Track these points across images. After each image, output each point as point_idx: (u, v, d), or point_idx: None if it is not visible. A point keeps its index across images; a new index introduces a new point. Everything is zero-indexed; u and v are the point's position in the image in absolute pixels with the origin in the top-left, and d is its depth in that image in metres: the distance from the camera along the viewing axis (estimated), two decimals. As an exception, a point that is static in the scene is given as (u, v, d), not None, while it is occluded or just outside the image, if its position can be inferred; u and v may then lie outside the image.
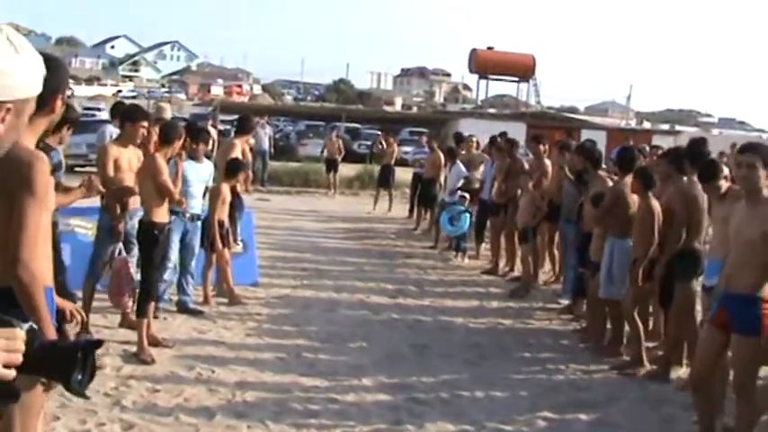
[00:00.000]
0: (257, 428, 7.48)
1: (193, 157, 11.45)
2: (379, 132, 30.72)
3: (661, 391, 9.20)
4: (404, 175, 26.88)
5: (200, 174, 11.53)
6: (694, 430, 7.86)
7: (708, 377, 7.51)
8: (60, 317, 4.85)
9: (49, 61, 4.46)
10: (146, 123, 10.02)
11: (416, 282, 15.25)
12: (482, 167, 18.56)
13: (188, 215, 11.24)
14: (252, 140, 29.40)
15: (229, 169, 12.38)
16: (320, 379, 9.10)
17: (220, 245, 12.04)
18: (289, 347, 10.29)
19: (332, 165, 30.93)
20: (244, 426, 7.53)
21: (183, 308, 11.53)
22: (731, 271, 7.12)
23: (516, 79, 70.10)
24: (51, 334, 4.25)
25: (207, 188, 11.92)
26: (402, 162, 29.41)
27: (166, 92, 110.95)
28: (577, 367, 10.25)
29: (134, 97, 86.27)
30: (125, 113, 10.40)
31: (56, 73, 4.42)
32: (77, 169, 27.45)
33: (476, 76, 72.37)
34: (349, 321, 11.93)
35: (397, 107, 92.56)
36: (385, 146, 27.14)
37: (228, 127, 41.71)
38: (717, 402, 7.83)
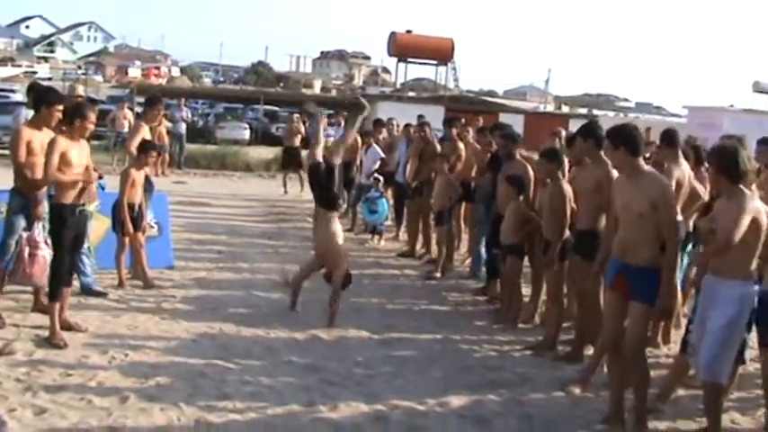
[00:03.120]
0: (170, 411, 7.44)
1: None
2: (298, 115, 30.54)
3: (573, 373, 9.32)
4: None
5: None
6: (603, 408, 8.01)
7: (618, 342, 7.80)
8: None
9: None
10: (61, 107, 9.87)
11: (332, 264, 15.25)
12: (397, 150, 18.61)
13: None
14: (168, 123, 29.23)
15: (139, 152, 12.27)
16: (234, 361, 9.08)
17: (131, 228, 11.94)
18: (203, 330, 10.25)
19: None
20: (156, 408, 7.49)
21: (87, 290, 11.40)
22: (626, 245, 7.56)
23: (435, 63, 70.18)
24: None
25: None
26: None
27: (83, 73, 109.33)
28: (491, 348, 10.36)
29: (49, 79, 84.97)
30: (40, 97, 10.22)
31: None
32: (-10, 151, 27.00)
33: (395, 60, 72.33)
34: (264, 303, 11.92)
35: (316, 90, 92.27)
36: (291, 127, 27.10)
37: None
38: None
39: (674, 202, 7.67)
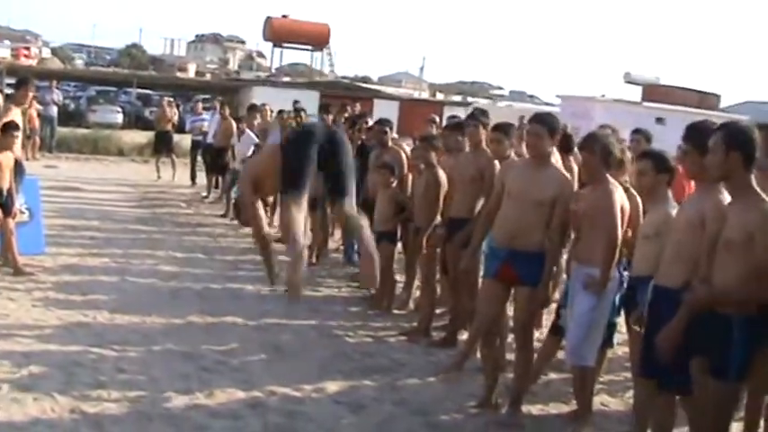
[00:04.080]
0: (44, 401, 7.33)
1: None
2: (171, 99, 30.16)
3: (447, 357, 9.46)
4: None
5: None
6: (477, 392, 8.18)
7: (493, 327, 8.09)
8: None
9: None
10: None
11: (206, 250, 15.24)
12: (270, 137, 18.57)
13: None
14: (39, 106, 28.66)
15: (1, 135, 12.05)
16: (108, 349, 9.00)
17: (1, 213, 11.72)
18: (76, 318, 10.13)
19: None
20: (30, 398, 7.36)
21: None
22: (514, 232, 7.63)
23: (311, 48, 70.21)
24: None
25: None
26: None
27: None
28: (366, 334, 10.46)
29: None
30: None
31: None
32: None
33: (270, 44, 72.11)
34: (138, 290, 11.83)
35: (191, 74, 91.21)
36: (163, 111, 26.84)
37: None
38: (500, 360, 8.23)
39: (571, 197, 7.77)
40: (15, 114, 12.60)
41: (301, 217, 7.69)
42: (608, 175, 7.57)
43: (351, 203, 7.93)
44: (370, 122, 14.72)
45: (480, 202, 9.49)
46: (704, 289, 5.66)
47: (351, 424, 7.43)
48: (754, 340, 5.57)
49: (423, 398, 8.21)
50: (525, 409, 7.98)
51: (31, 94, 13.08)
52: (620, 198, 7.50)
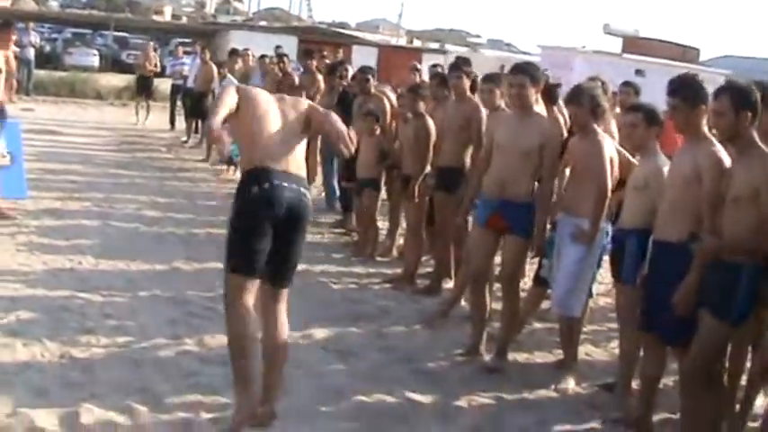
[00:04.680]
0: (33, 346, 7.32)
1: None
2: (151, 42, 29.91)
3: (432, 305, 9.54)
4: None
5: None
6: (463, 342, 8.24)
7: (483, 276, 8.13)
8: None
9: None
10: None
11: (188, 195, 15.25)
12: (251, 81, 18.49)
13: None
14: (16, 48, 28.36)
15: None
16: (95, 294, 9.00)
17: (-20, 158, 11.64)
18: (61, 262, 10.12)
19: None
20: (19, 343, 7.35)
21: None
22: (503, 181, 7.78)
23: (288, -8, 69.69)
24: None
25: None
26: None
27: None
28: (350, 281, 10.50)
29: None
30: None
31: None
32: None
33: (248, -12, 71.58)
34: (122, 235, 11.81)
35: (167, 17, 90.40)
36: (145, 56, 26.71)
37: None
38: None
39: (558, 146, 7.87)
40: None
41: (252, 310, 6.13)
42: (596, 126, 7.62)
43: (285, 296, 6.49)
44: (351, 70, 14.70)
45: (469, 151, 9.54)
46: (714, 239, 5.78)
47: (340, 371, 7.47)
48: (758, 289, 5.76)
49: (409, 345, 8.26)
50: (511, 357, 8.06)
51: (14, 38, 12.93)
52: (609, 149, 7.55)
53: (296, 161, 6.01)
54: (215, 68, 20.81)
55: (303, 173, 6.05)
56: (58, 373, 6.87)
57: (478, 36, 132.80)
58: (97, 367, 7.04)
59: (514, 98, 7.93)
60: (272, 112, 5.97)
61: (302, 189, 5.94)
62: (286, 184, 5.79)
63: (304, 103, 6.35)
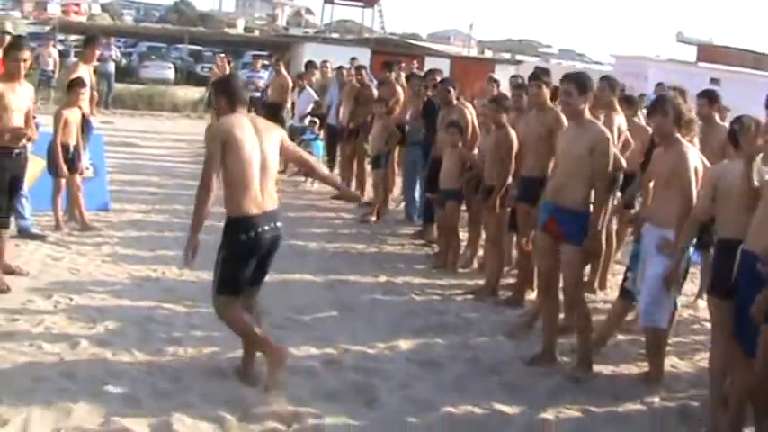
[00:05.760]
0: (122, 356, 7.41)
1: None
2: (223, 55, 30.13)
3: (515, 317, 9.48)
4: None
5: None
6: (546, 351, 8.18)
7: (552, 280, 8.10)
8: None
9: None
10: None
11: (267, 206, 15.24)
12: (328, 93, 18.56)
13: None
14: (97, 62, 28.79)
15: (68, 91, 12.17)
16: (180, 304, 9.08)
17: (65, 170, 11.79)
18: (146, 273, 10.23)
19: None
20: (108, 353, 7.45)
21: (25, 233, 11.26)
22: (559, 186, 7.90)
23: (361, 5, 69.79)
24: None
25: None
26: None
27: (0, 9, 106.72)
28: (433, 292, 10.46)
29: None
30: None
31: None
32: None
33: (320, 1, 71.82)
34: (203, 245, 11.72)
35: (240, 30, 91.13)
36: (216, 67, 26.85)
37: (67, 48, 40.47)
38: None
39: (610, 149, 7.86)
40: (83, 71, 12.67)
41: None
42: (680, 136, 7.56)
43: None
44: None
45: (552, 161, 9.48)
46: None
47: (426, 382, 7.42)
48: None
49: (494, 357, 8.20)
50: (597, 369, 7.98)
51: (98, 52, 13.12)
52: (694, 159, 7.47)
53: (271, 195, 6.89)
54: (289, 79, 20.89)
55: (276, 203, 6.96)
56: (148, 382, 6.93)
57: (549, 46, 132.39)
58: (185, 377, 7.09)
59: (562, 105, 8.15)
60: (255, 156, 6.71)
61: (278, 224, 6.96)
62: (267, 227, 6.80)
63: (277, 134, 7.08)
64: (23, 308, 8.62)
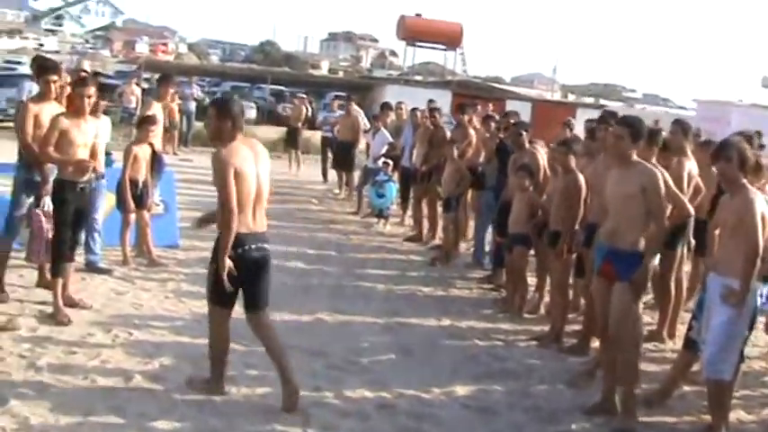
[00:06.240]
0: (174, 392, 7.40)
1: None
2: (304, 95, 30.35)
3: (578, 365, 9.27)
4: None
5: (101, 130, 11.27)
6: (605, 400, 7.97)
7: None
8: None
9: None
10: (54, 77, 9.82)
11: (338, 247, 15.24)
12: (402, 135, 18.50)
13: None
14: (179, 101, 29.18)
15: (138, 127, 12.31)
16: (238, 343, 8.99)
17: (133, 205, 11.88)
18: (207, 311, 10.18)
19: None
20: (161, 389, 7.45)
21: (92, 267, 11.37)
22: (612, 229, 7.79)
23: (443, 47, 70.08)
24: None
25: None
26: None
27: (90, 47, 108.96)
28: (497, 337, 10.30)
29: (57, 52, 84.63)
30: (36, 68, 10.22)
31: None
32: (-2, 125, 26.99)
33: (403, 43, 72.22)
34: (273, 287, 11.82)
35: (324, 71, 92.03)
36: (292, 108, 27.15)
37: (152, 86, 41.07)
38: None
39: (660, 187, 7.72)
40: (156, 109, 12.80)
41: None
42: (746, 182, 7.36)
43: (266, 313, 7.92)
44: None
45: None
46: None
47: (481, 430, 7.29)
48: None
49: (553, 405, 8.03)
50: (658, 420, 7.85)
51: (171, 90, 13.23)
52: (760, 205, 7.26)
53: (261, 219, 7.49)
54: (360, 120, 20.92)
55: (265, 227, 7.54)
56: (198, 419, 6.90)
57: (634, 90, 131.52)
58: (236, 416, 7.04)
59: (610, 147, 8.13)
60: (253, 185, 7.31)
61: (265, 244, 7.53)
62: (254, 246, 7.36)
63: (267, 160, 7.62)
64: (82, 341, 8.66)
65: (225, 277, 7.25)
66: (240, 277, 7.36)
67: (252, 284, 7.56)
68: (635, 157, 7.81)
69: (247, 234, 7.29)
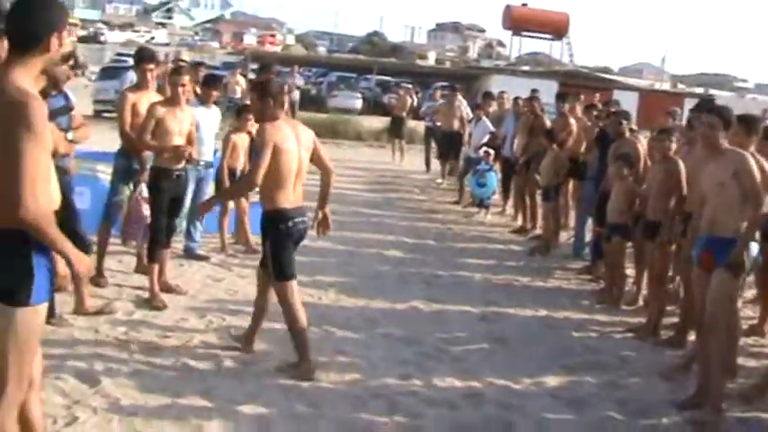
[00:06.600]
0: (263, 378, 7.45)
1: (203, 102, 11.40)
2: (409, 86, 30.38)
3: (674, 358, 9.09)
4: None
5: (209, 119, 11.42)
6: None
7: (711, 323, 7.60)
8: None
9: (46, 0, 4.40)
10: (151, 66, 9.98)
11: (437, 236, 15.22)
12: (503, 124, 18.37)
13: (202, 162, 11.13)
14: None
15: (237, 116, 12.43)
16: (331, 330, 9.08)
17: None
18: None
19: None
20: (250, 374, 7.51)
21: (190, 254, 11.54)
22: (711, 218, 7.64)
23: (550, 37, 69.63)
24: (76, 259, 4.44)
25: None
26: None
27: (199, 40, 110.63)
28: (592, 328, 10.17)
29: (167, 44, 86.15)
30: (134, 58, 10.40)
31: (52, 12, 4.41)
32: (106, 115, 27.52)
33: (509, 33, 71.94)
34: (365, 274, 11.87)
35: (431, 61, 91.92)
36: (396, 98, 27.20)
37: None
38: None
39: (752, 168, 7.51)
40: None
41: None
42: None
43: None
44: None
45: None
46: None
47: (567, 421, 7.19)
48: None
49: (645, 398, 7.85)
50: (754, 416, 7.60)
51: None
52: None
53: (299, 194, 8.02)
54: (462, 109, 20.83)
55: (302, 200, 8.06)
56: (285, 406, 6.91)
57: (745, 80, 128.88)
58: (323, 403, 7.05)
59: (703, 137, 7.97)
60: (294, 162, 7.77)
61: (305, 217, 8.08)
62: (298, 220, 7.91)
63: (311, 138, 8.16)
64: (176, 325, 8.78)
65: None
66: (290, 248, 7.93)
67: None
68: (726, 145, 7.68)
69: (290, 209, 7.80)
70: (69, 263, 4.41)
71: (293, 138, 7.80)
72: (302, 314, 7.82)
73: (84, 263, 4.52)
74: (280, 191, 7.70)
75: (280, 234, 7.79)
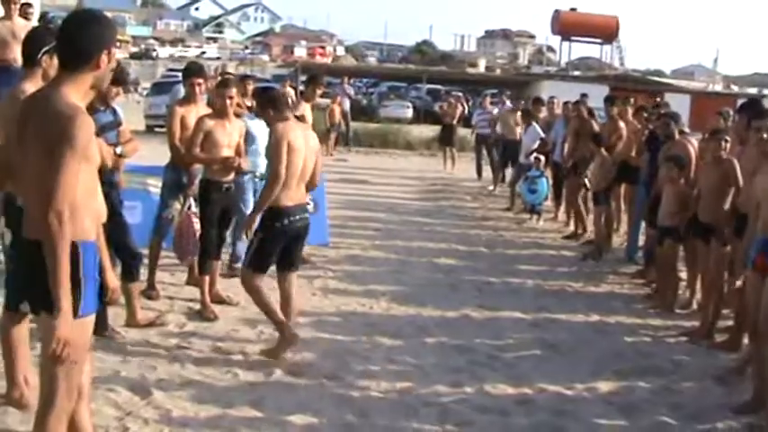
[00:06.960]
0: (313, 387, 7.46)
1: (258, 114, 11.43)
2: (460, 94, 30.40)
3: (729, 362, 8.98)
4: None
5: (264, 132, 11.44)
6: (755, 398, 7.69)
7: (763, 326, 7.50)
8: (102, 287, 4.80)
9: (96, 18, 4.45)
10: (199, 80, 10.02)
11: (489, 243, 15.17)
12: (553, 129, 18.28)
13: (257, 174, 11.16)
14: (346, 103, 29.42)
15: None
16: (382, 338, 9.07)
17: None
18: (353, 307, 10.29)
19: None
20: (301, 384, 7.52)
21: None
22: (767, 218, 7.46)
23: (600, 41, 69.29)
24: (62, 283, 4.25)
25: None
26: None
27: (250, 53, 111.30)
28: (645, 333, 10.08)
29: (218, 59, 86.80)
30: (183, 73, 10.47)
31: (101, 29, 4.46)
32: (157, 129, 27.76)
33: (559, 38, 71.68)
34: (417, 282, 11.86)
35: (481, 69, 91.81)
36: (446, 106, 27.24)
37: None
38: None
39: None
40: (305, 109, 12.89)
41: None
42: None
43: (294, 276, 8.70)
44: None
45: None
46: None
47: (620, 427, 7.11)
48: None
49: (699, 403, 7.74)
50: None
51: (319, 91, 13.32)
52: None
53: (302, 192, 8.34)
54: (519, 117, 20.76)
55: (304, 197, 8.41)
56: (334, 415, 6.90)
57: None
58: (373, 412, 7.03)
59: (758, 141, 8.07)
60: (300, 162, 8.09)
61: (305, 215, 8.38)
62: (297, 217, 8.18)
63: (316, 147, 8.54)
64: (227, 336, 8.82)
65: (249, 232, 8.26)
66: (283, 245, 8.22)
67: (293, 250, 8.47)
68: None
69: (291, 207, 8.09)
70: (56, 296, 4.28)
71: (302, 138, 8.21)
72: (266, 298, 8.30)
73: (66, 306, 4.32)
74: (284, 188, 8.00)
75: (274, 231, 8.09)
